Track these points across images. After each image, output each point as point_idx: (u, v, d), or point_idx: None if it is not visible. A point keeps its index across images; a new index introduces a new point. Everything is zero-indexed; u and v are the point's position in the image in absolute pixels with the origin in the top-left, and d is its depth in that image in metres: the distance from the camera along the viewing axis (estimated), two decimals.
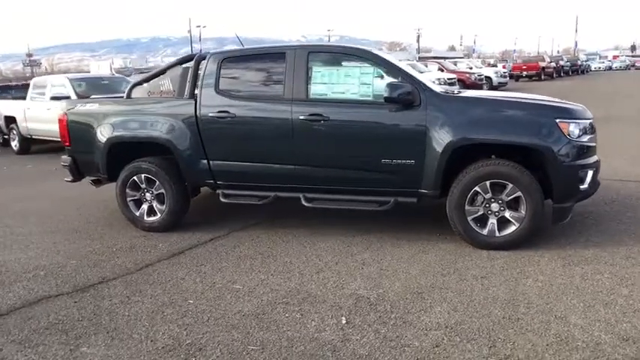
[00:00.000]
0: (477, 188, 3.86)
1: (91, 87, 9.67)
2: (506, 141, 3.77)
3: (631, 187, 5.76)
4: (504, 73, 25.68)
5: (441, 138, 3.84)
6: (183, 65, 4.79)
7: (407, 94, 3.83)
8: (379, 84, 4.07)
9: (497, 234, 3.91)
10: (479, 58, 58.55)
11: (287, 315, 3.04)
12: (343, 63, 4.25)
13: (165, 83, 4.82)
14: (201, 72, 4.51)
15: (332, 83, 4.16)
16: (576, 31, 69.86)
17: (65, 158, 5.14)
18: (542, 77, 31.54)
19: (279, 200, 4.43)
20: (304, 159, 4.23)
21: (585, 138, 3.82)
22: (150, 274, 3.80)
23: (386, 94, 3.84)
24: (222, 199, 4.53)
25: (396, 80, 3.95)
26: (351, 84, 4.12)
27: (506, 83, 24.31)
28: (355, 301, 3.19)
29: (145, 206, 4.80)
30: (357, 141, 4.08)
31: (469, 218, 3.93)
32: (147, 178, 4.71)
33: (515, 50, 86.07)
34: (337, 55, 4.36)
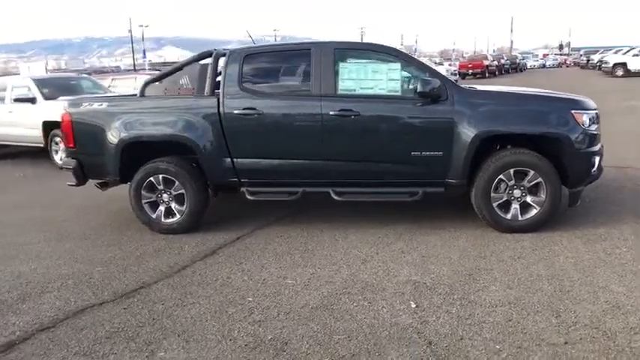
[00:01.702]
0: (501, 176, 4.12)
1: (58, 88, 9.08)
2: (531, 131, 4.05)
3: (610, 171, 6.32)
4: (454, 71, 26.88)
5: (469, 130, 4.05)
6: (201, 62, 4.68)
7: (437, 89, 4.01)
8: (406, 79, 4.22)
9: (519, 218, 4.19)
10: (420, 57, 60.65)
11: (355, 304, 3.11)
12: (369, 59, 4.35)
13: (183, 80, 4.69)
14: (222, 69, 4.45)
15: (360, 79, 4.26)
16: (512, 30, 74.39)
17: (68, 161, 4.86)
18: (487, 75, 33.31)
19: (303, 196, 4.46)
20: (334, 154, 4.30)
21: (594, 127, 4.19)
22: (190, 275, 3.71)
23: (419, 89, 4.00)
24: (249, 197, 4.50)
25: (425, 76, 4.11)
26: (378, 79, 4.24)
27: (456, 81, 25.42)
28: (414, 286, 3.33)
29: (162, 208, 4.65)
30: (387, 135, 4.21)
31: (494, 204, 4.18)
32: (165, 179, 4.57)
33: (454, 49, 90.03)
34: (362, 51, 4.46)
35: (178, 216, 4.62)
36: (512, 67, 41.00)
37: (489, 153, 4.24)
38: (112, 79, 12.37)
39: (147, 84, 4.76)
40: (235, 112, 4.36)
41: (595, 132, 4.19)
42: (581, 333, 2.67)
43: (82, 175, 4.86)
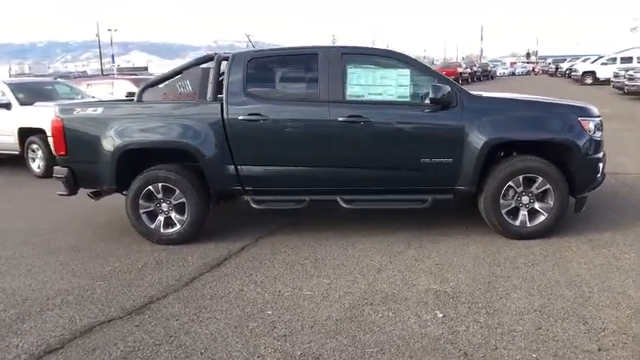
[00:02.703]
0: (510, 183, 4.13)
1: (34, 93, 8.69)
2: (543, 138, 4.09)
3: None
4: None
5: (480, 136, 4.05)
6: (202, 66, 4.52)
7: (449, 95, 4.00)
8: (415, 85, 4.20)
9: (528, 224, 4.21)
10: None
11: (380, 315, 3.02)
12: (377, 64, 4.30)
13: (184, 85, 4.51)
14: (225, 73, 4.31)
15: (368, 84, 4.21)
16: (482, 39, 76.47)
17: (59, 169, 4.59)
18: (460, 82, 34.06)
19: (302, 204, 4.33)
20: (342, 160, 4.22)
21: (598, 134, 4.26)
22: (200, 288, 3.55)
23: (431, 95, 3.97)
24: (255, 206, 4.36)
25: (435, 82, 4.09)
26: (387, 85, 4.20)
27: None
28: (435, 295, 3.27)
29: (161, 218, 4.45)
30: (396, 141, 4.16)
31: (503, 211, 4.18)
32: (164, 187, 4.38)
33: (425, 57, 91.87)
34: (370, 56, 4.41)
35: (179, 226, 4.42)
36: (484, 75, 42.08)
37: (494, 160, 4.26)
38: (88, 85, 11.94)
39: (144, 89, 4.57)
40: (240, 117, 4.22)
41: (599, 139, 4.26)
42: (611, 339, 2.67)
43: (73, 183, 4.61)
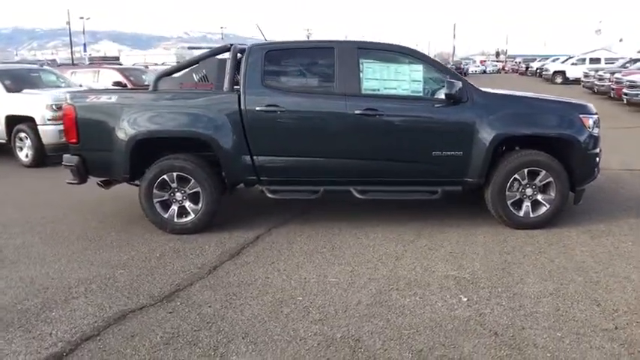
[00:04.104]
0: (516, 175, 4.35)
1: (21, 80, 8.41)
2: (550, 134, 4.32)
3: None
4: None
5: (489, 131, 4.24)
6: (218, 56, 4.53)
7: (461, 91, 4.17)
8: (427, 81, 4.35)
9: (531, 215, 4.44)
10: None
11: (408, 300, 3.17)
12: (391, 59, 4.42)
13: (201, 75, 4.51)
14: (242, 64, 4.34)
15: (383, 79, 4.33)
16: (454, 36, 77.90)
17: (70, 157, 4.52)
18: None
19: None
20: (357, 152, 4.34)
21: (596, 130, 4.53)
22: (224, 276, 3.60)
23: (446, 91, 4.13)
24: (270, 195, 4.42)
25: (447, 77, 4.25)
26: (401, 80, 4.33)
27: None
28: (455, 281, 3.44)
29: (174, 207, 4.46)
30: (410, 134, 4.31)
31: (509, 202, 4.40)
32: (179, 177, 4.39)
33: None
34: (385, 51, 4.51)
35: (193, 215, 4.45)
36: (458, 72, 42.94)
37: (499, 154, 4.47)
38: (72, 73, 11.61)
39: (160, 77, 4.54)
40: (257, 108, 4.27)
41: (597, 135, 4.53)
42: (624, 319, 2.90)
43: (84, 172, 4.56)
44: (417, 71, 4.33)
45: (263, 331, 2.82)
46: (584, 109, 4.50)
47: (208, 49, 4.69)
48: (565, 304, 3.09)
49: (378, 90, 4.33)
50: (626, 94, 13.98)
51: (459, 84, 4.17)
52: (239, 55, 4.46)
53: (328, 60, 4.34)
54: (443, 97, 4.25)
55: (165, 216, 4.46)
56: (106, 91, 4.90)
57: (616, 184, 6.13)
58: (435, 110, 4.30)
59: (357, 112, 4.23)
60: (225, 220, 4.77)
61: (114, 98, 4.42)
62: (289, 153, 4.37)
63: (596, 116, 4.53)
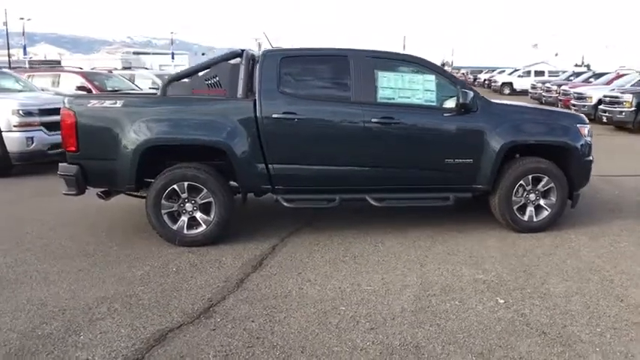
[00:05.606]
0: (521, 182, 4.56)
1: None
2: (555, 142, 4.57)
3: None
4: None
5: (498, 139, 4.42)
6: (231, 62, 4.41)
7: (474, 100, 4.33)
8: (440, 90, 4.48)
9: (534, 219, 4.67)
10: None
11: (448, 305, 3.22)
12: (404, 69, 4.51)
13: (214, 81, 4.35)
14: (257, 70, 4.26)
15: (398, 88, 4.40)
16: (404, 47, 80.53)
17: (67, 167, 4.21)
18: None
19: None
20: (373, 160, 4.37)
21: (589, 139, 4.85)
22: (255, 289, 3.49)
23: (461, 100, 4.27)
24: (286, 204, 4.35)
25: (458, 87, 4.39)
26: (415, 89, 4.43)
27: None
28: (485, 284, 3.54)
29: (184, 218, 4.28)
30: (424, 142, 4.41)
31: (514, 207, 4.61)
32: (190, 186, 4.22)
33: None
34: (398, 61, 4.58)
35: (204, 226, 4.28)
36: None
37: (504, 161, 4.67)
38: (28, 76, 10.84)
39: (169, 83, 4.35)
40: (274, 115, 4.20)
41: (591, 143, 4.85)
42: None
43: (83, 182, 4.26)
44: (430, 81, 4.45)
45: (319, 344, 2.76)
46: (580, 119, 4.81)
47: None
48: (592, 301, 3.27)
49: (394, 99, 4.40)
50: (574, 105, 15.06)
51: (472, 94, 4.33)
52: (251, 61, 4.37)
53: (343, 68, 4.36)
54: (453, 106, 4.40)
55: (174, 228, 4.26)
56: (109, 95, 4.61)
57: (596, 189, 6.56)
58: (448, 119, 4.43)
59: (374, 120, 4.27)
60: (232, 231, 4.62)
61: (119, 104, 4.17)
62: (305, 161, 4.33)
63: (589, 125, 4.85)
